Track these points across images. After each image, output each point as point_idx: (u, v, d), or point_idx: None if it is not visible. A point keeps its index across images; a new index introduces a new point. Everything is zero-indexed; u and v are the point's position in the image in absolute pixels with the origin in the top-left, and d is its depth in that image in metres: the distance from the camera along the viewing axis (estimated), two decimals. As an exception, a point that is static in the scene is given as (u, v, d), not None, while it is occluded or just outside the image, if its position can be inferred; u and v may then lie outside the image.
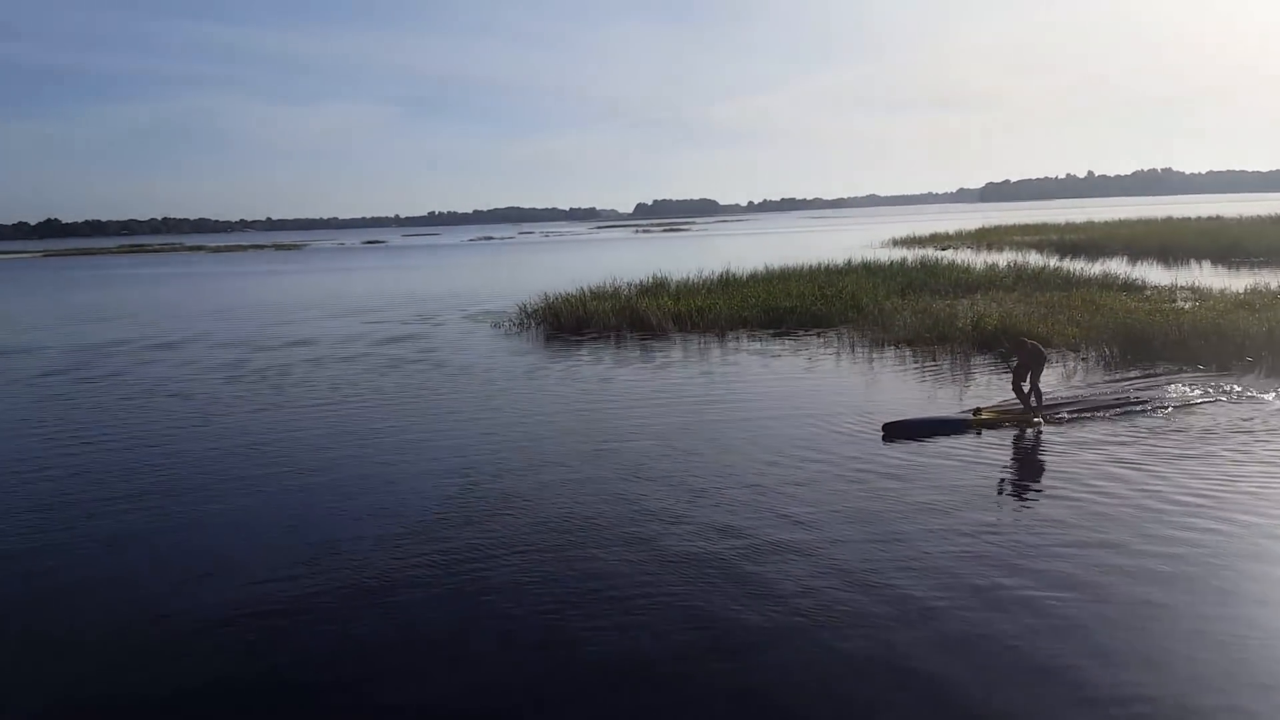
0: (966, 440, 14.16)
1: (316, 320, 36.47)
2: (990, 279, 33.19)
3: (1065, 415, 14.99)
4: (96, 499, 12.83)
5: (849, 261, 41.88)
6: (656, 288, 34.50)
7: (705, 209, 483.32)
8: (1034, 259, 44.21)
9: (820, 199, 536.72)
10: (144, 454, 15.33)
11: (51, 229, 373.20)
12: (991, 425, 14.60)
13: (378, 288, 55.49)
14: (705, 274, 38.02)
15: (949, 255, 49.43)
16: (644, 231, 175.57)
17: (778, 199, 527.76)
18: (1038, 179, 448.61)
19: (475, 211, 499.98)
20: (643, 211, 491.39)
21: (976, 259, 44.98)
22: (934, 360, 21.18)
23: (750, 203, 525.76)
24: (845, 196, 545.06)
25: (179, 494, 12.98)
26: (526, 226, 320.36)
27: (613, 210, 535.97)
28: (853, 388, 18.69)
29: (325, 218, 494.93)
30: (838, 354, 22.73)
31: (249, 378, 22.75)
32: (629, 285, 35.35)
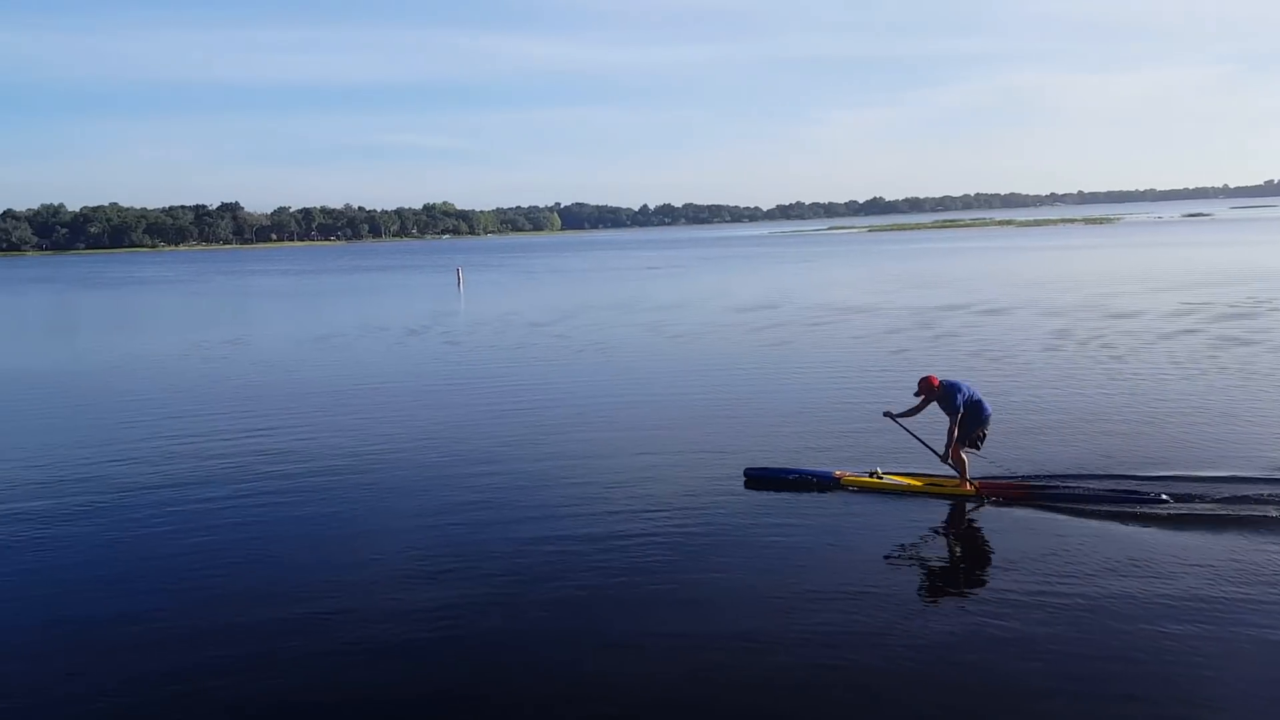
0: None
1: (1135, 295, 35.89)
2: None
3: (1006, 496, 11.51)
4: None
5: None
6: None
7: None
8: None
9: None
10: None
11: (876, 206, 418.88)
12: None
13: (1201, 264, 51.66)
14: None
15: None
16: None
17: None
18: None
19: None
20: None
21: None
22: None
23: None
24: None
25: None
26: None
27: None
28: None
29: (1140, 189, 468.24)
30: None
31: (1069, 346, 23.86)
32: None
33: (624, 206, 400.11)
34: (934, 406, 11.91)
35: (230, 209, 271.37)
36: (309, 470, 14.17)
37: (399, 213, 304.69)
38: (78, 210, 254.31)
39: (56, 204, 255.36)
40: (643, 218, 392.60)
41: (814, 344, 26.36)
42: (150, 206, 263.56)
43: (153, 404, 20.69)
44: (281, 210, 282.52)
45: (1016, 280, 46.60)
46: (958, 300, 36.98)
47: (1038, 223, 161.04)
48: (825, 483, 12.21)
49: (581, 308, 41.28)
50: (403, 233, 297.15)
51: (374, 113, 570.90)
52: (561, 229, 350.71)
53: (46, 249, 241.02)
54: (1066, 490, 11.44)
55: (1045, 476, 12.02)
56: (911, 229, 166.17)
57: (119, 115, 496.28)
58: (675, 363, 24.19)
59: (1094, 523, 10.59)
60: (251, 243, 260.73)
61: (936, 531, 11.04)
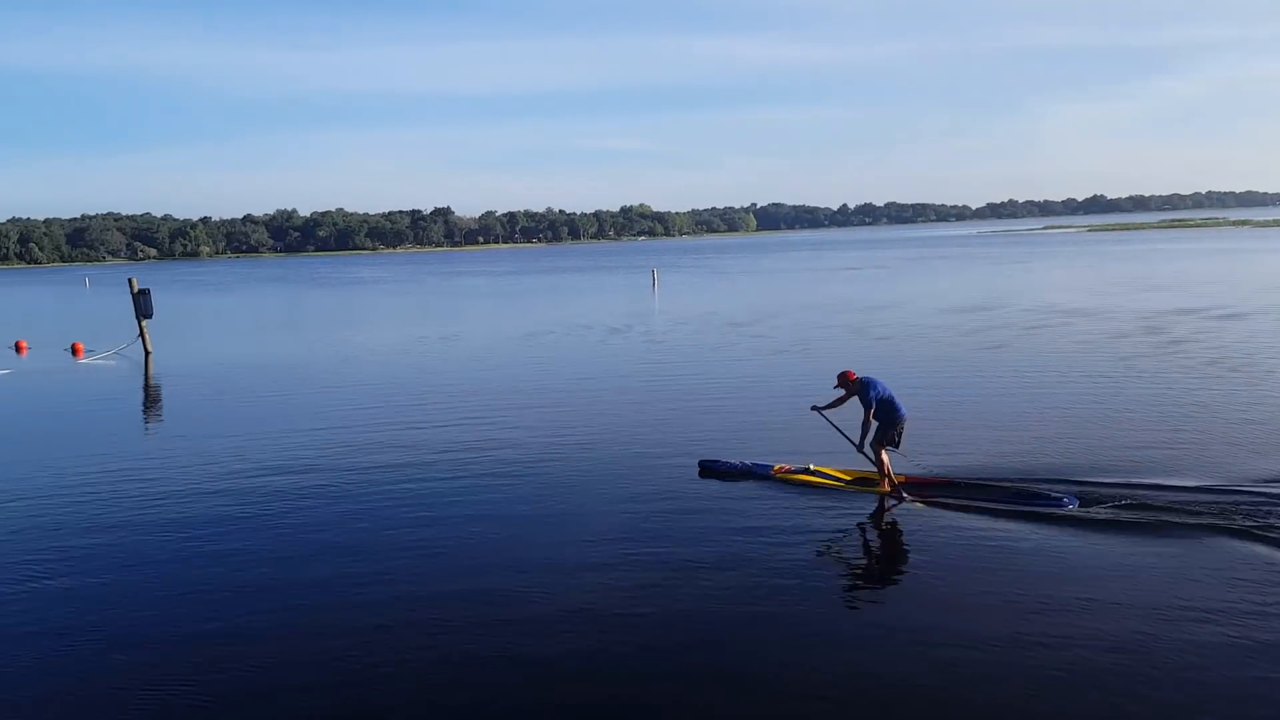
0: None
1: None
2: None
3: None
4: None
5: None
6: None
7: None
8: None
9: None
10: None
11: (1096, 205, 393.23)
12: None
13: None
14: None
15: None
16: None
17: None
18: None
19: None
20: None
21: None
22: None
23: None
24: None
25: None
26: None
27: None
28: None
29: None
30: None
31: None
32: None
33: (822, 206, 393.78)
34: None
35: (442, 213, 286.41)
36: (528, 457, 14.83)
37: (597, 215, 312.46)
38: (308, 215, 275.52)
39: (290, 209, 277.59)
40: (842, 218, 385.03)
41: (1033, 349, 24.96)
42: (371, 211, 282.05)
43: (380, 392, 22.09)
44: (488, 214, 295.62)
45: (1256, 284, 42.61)
46: (1190, 304, 34.14)
47: (1278, 223, 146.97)
48: (763, 474, 13.00)
49: (780, 309, 40.87)
50: (600, 235, 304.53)
51: (576, 119, 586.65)
52: (757, 230, 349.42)
53: (280, 251, 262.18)
54: (979, 491, 11.86)
55: (994, 478, 12.30)
56: (1136, 229, 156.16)
57: (345, 126, 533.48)
58: (883, 365, 23.44)
59: (995, 522, 10.95)
60: (460, 245, 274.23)
61: (842, 524, 11.51)
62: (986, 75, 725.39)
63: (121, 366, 29.59)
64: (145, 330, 32.32)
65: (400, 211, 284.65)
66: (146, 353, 31.44)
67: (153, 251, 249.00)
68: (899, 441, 12.16)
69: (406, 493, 13.16)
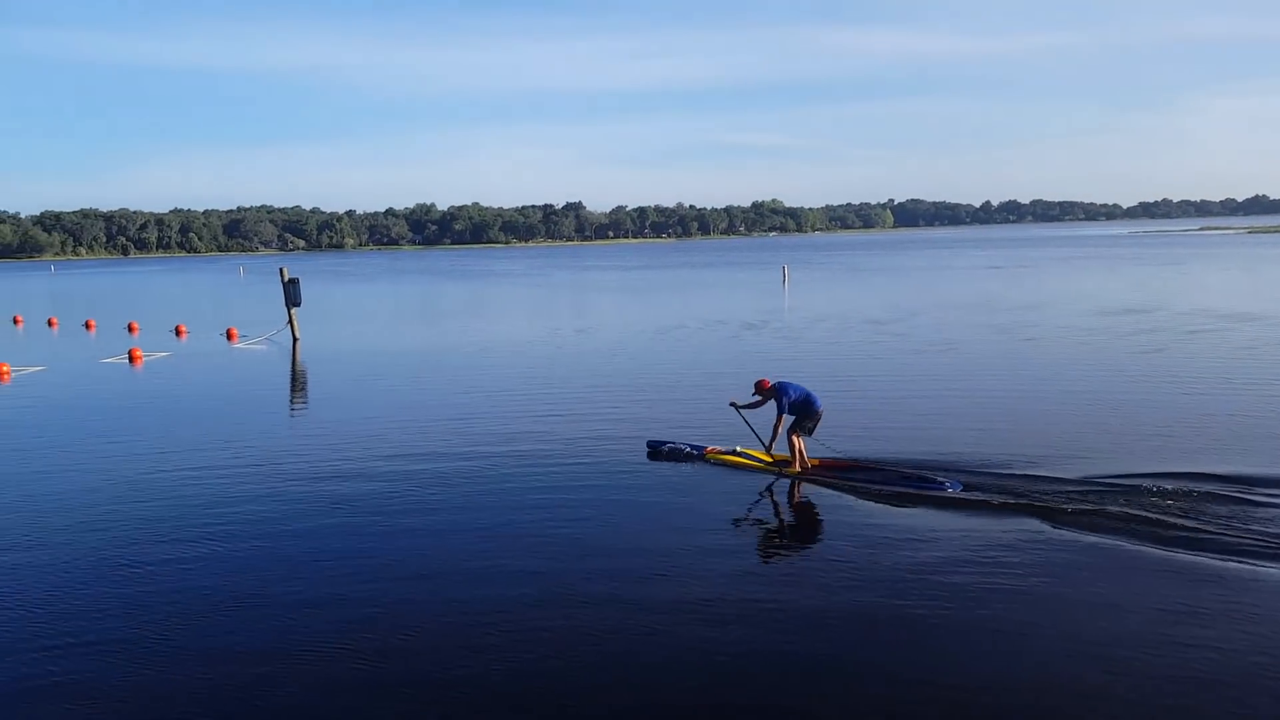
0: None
1: None
2: None
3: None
4: None
5: None
6: None
7: None
8: None
9: None
10: None
11: (1259, 205, 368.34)
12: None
13: None
14: None
15: None
16: None
17: None
18: None
19: None
20: None
21: None
22: None
23: None
24: None
25: None
26: None
27: None
28: None
29: None
30: None
31: None
32: None
33: (963, 203, 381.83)
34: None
35: (574, 208, 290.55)
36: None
37: (727, 210, 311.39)
38: (445, 209, 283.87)
39: (428, 203, 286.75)
40: (984, 215, 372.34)
41: (1192, 354, 23.29)
42: (505, 206, 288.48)
43: (518, 381, 22.30)
44: (619, 209, 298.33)
45: None
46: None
47: None
48: (697, 455, 14.46)
49: (921, 307, 39.53)
50: (730, 230, 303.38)
51: (708, 113, 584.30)
52: (894, 227, 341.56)
53: (418, 243, 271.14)
54: (873, 475, 13.00)
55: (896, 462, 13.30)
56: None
57: (483, 122, 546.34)
58: (1036, 367, 22.32)
59: (883, 504, 11.92)
60: (590, 239, 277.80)
61: (749, 499, 12.84)
62: (1140, 68, 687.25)
63: (271, 351, 30.80)
64: (294, 317, 33.59)
65: (533, 206, 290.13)
66: (294, 339, 32.65)
67: (301, 243, 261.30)
68: (813, 430, 13.68)
69: (557, 479, 13.28)
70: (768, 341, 28.97)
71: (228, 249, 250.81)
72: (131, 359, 28.75)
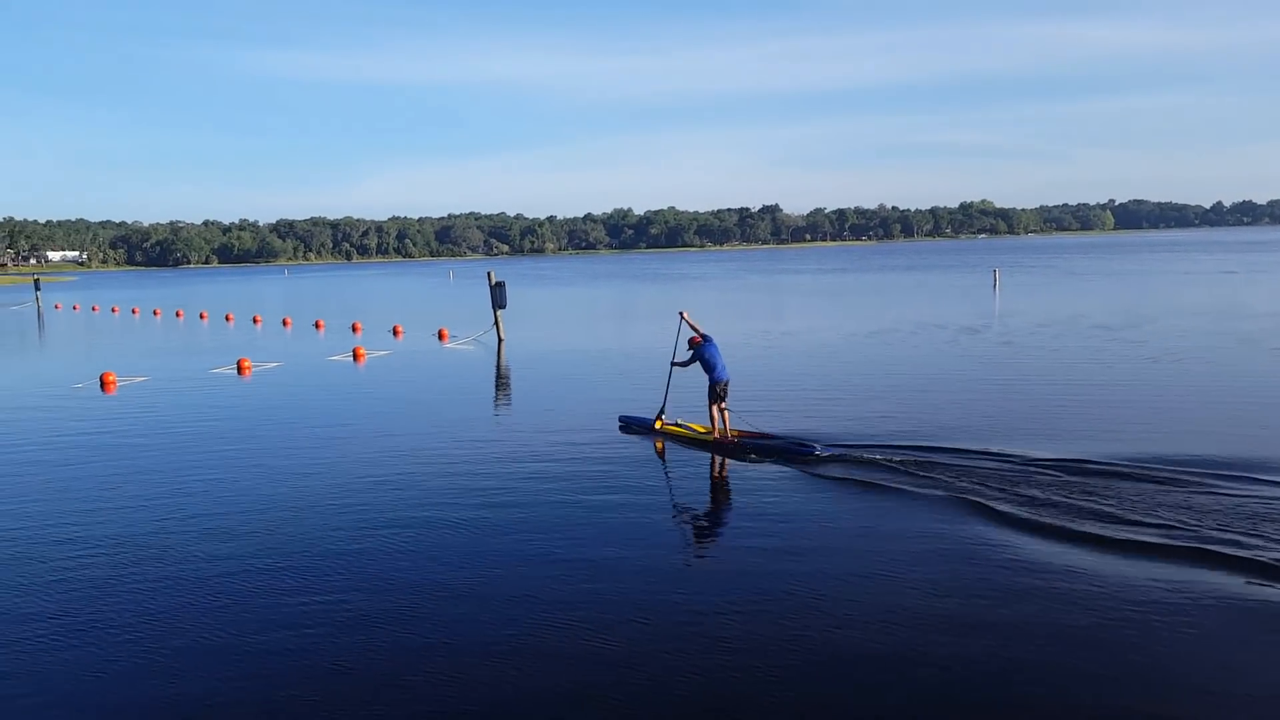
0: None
1: None
2: None
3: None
4: None
5: None
6: None
7: None
8: None
9: None
10: None
11: None
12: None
13: None
14: None
15: None
16: None
17: None
18: None
19: None
20: None
21: None
22: None
23: None
24: None
25: None
26: None
27: None
28: None
29: None
30: None
31: None
32: None
33: (1191, 204, 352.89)
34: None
35: (770, 211, 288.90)
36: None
37: (932, 211, 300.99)
38: (641, 214, 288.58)
39: (625, 208, 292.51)
40: (1215, 216, 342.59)
41: None
42: (700, 210, 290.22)
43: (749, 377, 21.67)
44: (817, 211, 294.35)
45: None
46: None
47: None
48: (649, 427, 16.11)
49: (1152, 313, 36.24)
50: (935, 232, 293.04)
51: (911, 112, 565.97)
52: (1115, 229, 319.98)
53: (615, 247, 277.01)
54: (761, 444, 14.49)
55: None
56: None
57: (678, 127, 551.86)
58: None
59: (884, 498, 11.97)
60: (787, 242, 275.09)
61: (668, 465, 14.41)
62: None
63: (479, 351, 31.69)
64: (499, 319, 34.48)
65: (728, 209, 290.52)
66: (500, 339, 33.50)
67: (505, 248, 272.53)
68: (723, 398, 14.89)
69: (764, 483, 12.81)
70: (990, 347, 27.15)
71: (439, 254, 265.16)
72: (355, 357, 30.27)
